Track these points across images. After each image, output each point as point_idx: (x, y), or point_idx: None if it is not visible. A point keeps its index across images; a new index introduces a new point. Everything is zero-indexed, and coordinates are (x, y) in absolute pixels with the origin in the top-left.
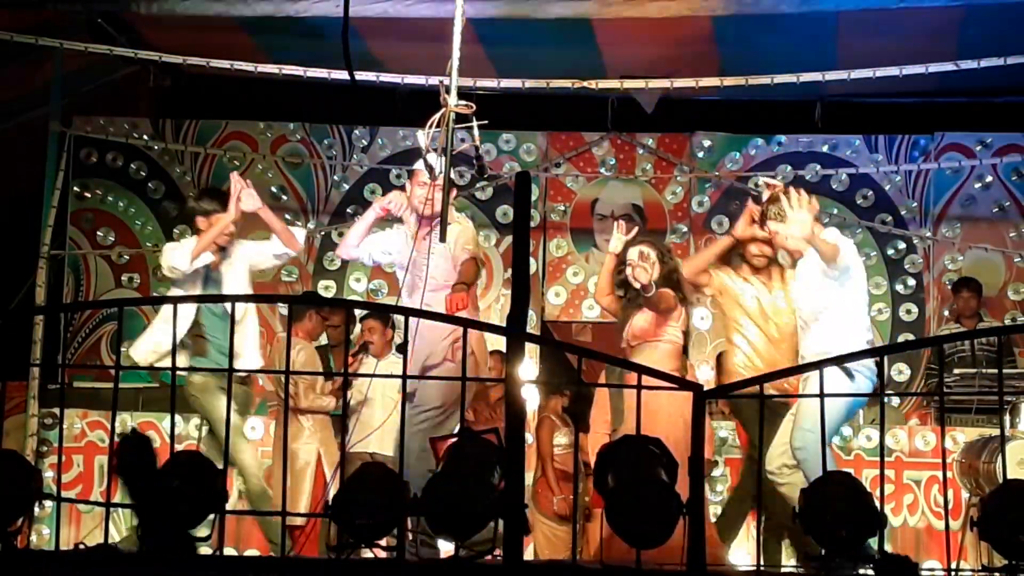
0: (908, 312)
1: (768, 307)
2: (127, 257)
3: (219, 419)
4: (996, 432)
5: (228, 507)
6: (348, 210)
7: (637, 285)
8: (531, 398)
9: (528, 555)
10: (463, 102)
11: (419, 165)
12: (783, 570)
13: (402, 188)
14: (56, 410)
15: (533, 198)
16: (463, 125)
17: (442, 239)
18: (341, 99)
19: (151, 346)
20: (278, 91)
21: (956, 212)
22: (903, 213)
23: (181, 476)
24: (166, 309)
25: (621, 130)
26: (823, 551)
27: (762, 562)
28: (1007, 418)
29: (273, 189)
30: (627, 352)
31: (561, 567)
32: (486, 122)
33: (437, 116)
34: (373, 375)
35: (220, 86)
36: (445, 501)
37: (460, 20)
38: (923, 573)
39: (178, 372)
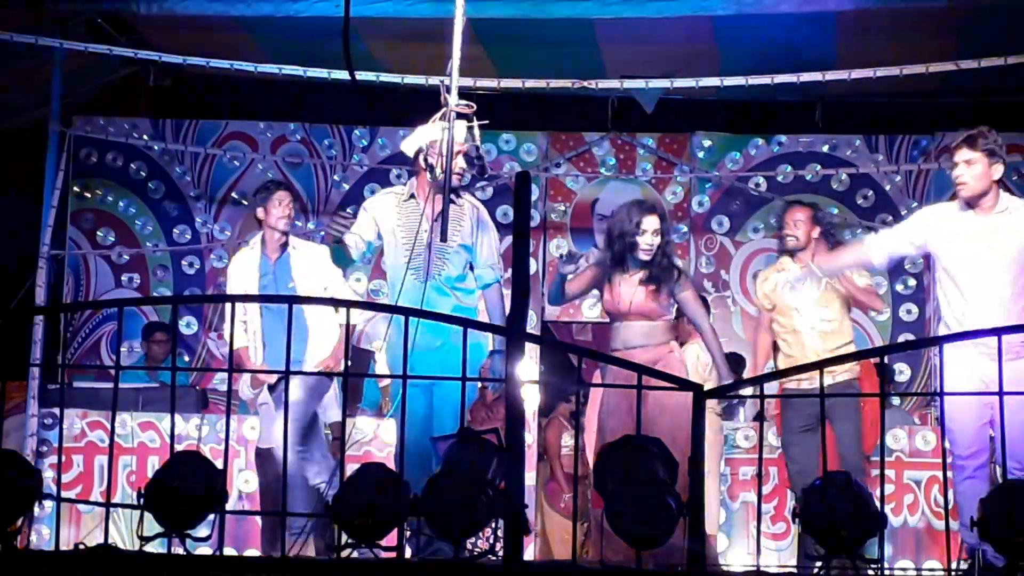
0: (908, 312)
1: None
2: (127, 257)
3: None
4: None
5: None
6: (348, 210)
7: (647, 257)
8: (531, 398)
9: (543, 553)
10: (463, 102)
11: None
12: (783, 570)
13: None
14: (56, 410)
15: (533, 198)
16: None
17: (443, 239)
18: (341, 99)
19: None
20: (278, 91)
21: None
22: (903, 213)
23: (181, 476)
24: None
25: (621, 130)
26: (823, 551)
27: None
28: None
29: None
30: (617, 327)
31: (561, 567)
32: (486, 122)
33: (437, 116)
34: (375, 375)
35: (220, 86)
36: (445, 501)
37: (460, 20)
38: (924, 573)
39: (183, 371)
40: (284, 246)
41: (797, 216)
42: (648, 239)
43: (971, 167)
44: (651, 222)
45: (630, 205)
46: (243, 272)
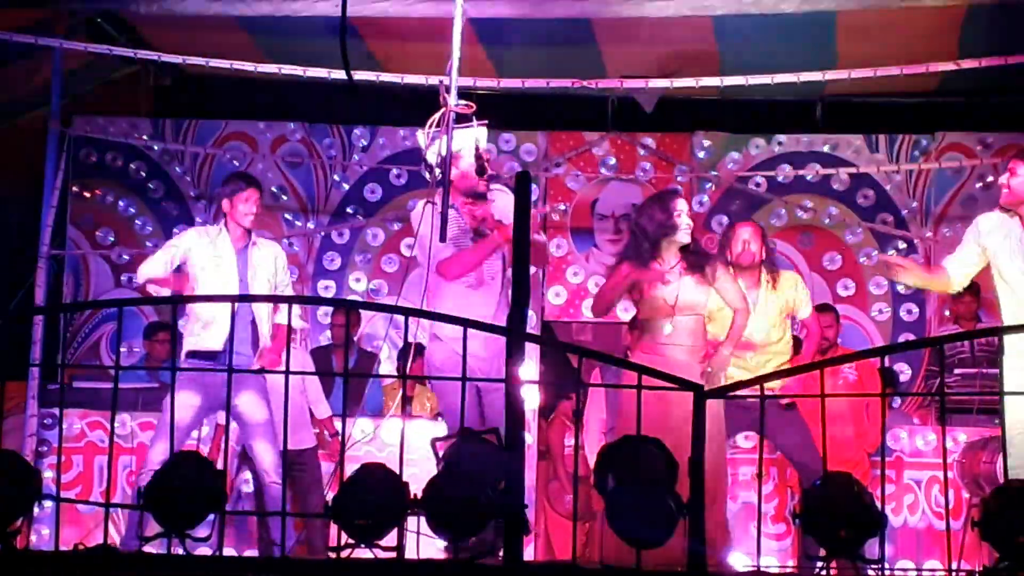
0: (908, 312)
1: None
2: (127, 257)
3: None
4: (997, 432)
5: None
6: (348, 210)
7: (687, 239)
8: (531, 398)
9: (543, 553)
10: (463, 102)
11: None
12: (783, 570)
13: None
14: (56, 410)
15: (533, 198)
16: (463, 125)
17: (442, 239)
18: (341, 99)
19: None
20: (278, 91)
21: (957, 212)
22: (903, 213)
23: (181, 476)
24: None
25: (621, 130)
26: (823, 551)
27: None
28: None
29: (273, 189)
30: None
31: (561, 567)
32: (486, 122)
33: (437, 116)
34: (374, 375)
35: (220, 86)
36: (445, 501)
37: (460, 20)
38: (924, 573)
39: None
40: (247, 237)
41: (751, 232)
42: (685, 219)
43: (1016, 178)
44: (682, 204)
45: (654, 197)
46: (206, 250)
